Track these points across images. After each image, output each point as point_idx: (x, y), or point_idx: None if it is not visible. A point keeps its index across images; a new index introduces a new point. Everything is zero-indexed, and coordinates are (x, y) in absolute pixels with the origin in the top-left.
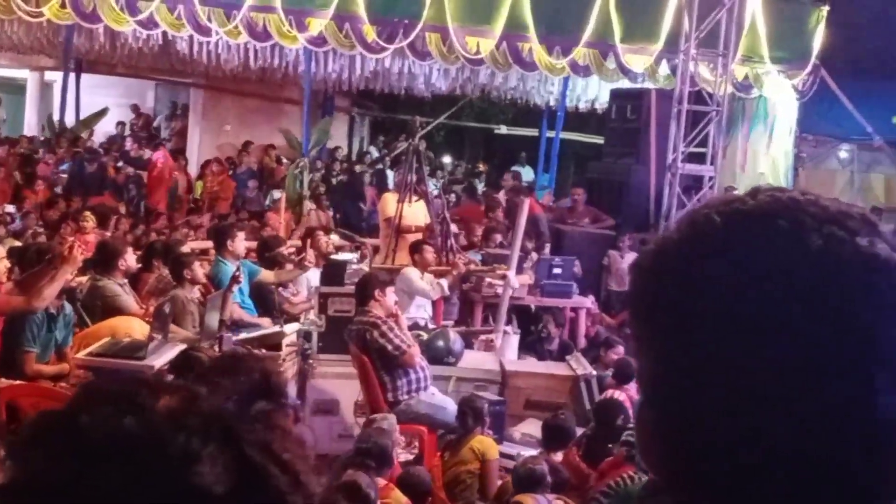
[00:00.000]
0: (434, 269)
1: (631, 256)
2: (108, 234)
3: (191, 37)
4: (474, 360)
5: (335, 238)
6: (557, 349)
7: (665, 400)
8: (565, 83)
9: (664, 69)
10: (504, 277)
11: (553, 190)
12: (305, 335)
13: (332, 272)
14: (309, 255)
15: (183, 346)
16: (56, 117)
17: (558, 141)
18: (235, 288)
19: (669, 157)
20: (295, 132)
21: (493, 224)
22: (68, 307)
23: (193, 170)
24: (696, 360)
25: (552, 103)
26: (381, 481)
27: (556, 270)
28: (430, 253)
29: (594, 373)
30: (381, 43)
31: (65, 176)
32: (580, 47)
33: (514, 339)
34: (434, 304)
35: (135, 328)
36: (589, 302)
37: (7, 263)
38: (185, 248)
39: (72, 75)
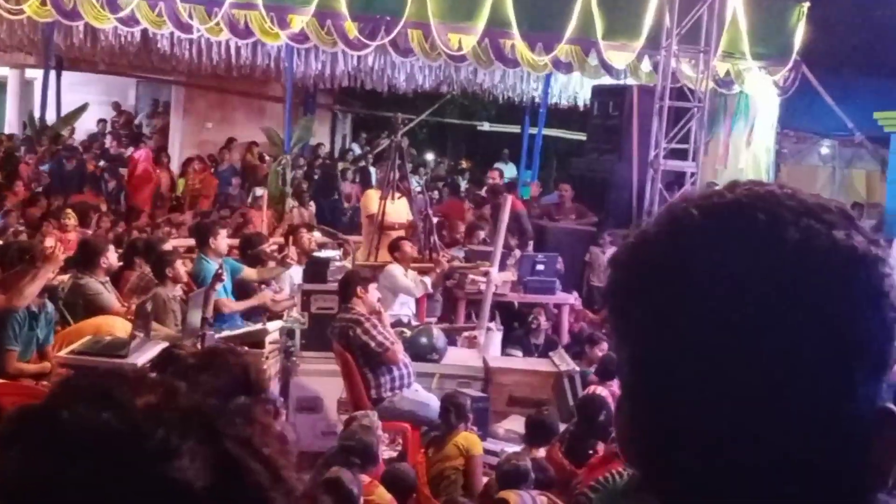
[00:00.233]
0: (417, 267)
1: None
2: (90, 232)
3: (172, 34)
4: (458, 357)
5: (318, 235)
6: (544, 343)
7: (643, 394)
8: (548, 80)
9: (646, 66)
10: (487, 274)
11: (540, 183)
12: (288, 333)
13: (315, 269)
14: (291, 253)
15: (165, 344)
16: (37, 115)
17: (541, 138)
18: (218, 285)
19: (651, 154)
20: (277, 130)
21: (477, 221)
22: (50, 305)
23: (175, 167)
24: (674, 355)
25: (535, 100)
26: (366, 478)
27: (539, 267)
28: (408, 246)
29: (577, 369)
30: (362, 40)
31: (45, 174)
32: (562, 44)
33: (498, 336)
34: (417, 301)
35: (117, 327)
36: (572, 298)
37: None
38: (168, 246)
39: (53, 73)
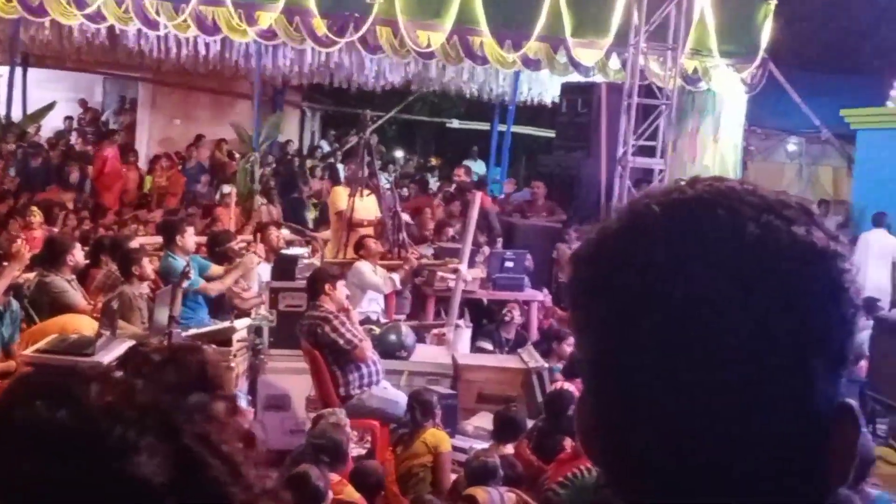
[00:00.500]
0: (386, 263)
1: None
2: (56, 229)
3: (139, 30)
4: (426, 354)
5: (286, 233)
6: (514, 339)
7: (612, 392)
8: (517, 77)
9: (614, 63)
10: (456, 271)
11: (514, 180)
12: (256, 330)
13: (283, 267)
14: (259, 250)
15: (132, 343)
16: (2, 112)
17: (510, 134)
18: (185, 283)
19: (620, 151)
20: (245, 126)
21: (446, 218)
22: (15, 304)
23: (143, 164)
24: (638, 353)
25: (504, 97)
26: (335, 477)
27: (508, 264)
28: (372, 243)
29: (546, 365)
30: (331, 36)
31: (12, 177)
32: (531, 41)
33: (467, 333)
34: (386, 298)
35: (84, 325)
36: (541, 295)
37: None
38: (135, 244)
39: (18, 70)
